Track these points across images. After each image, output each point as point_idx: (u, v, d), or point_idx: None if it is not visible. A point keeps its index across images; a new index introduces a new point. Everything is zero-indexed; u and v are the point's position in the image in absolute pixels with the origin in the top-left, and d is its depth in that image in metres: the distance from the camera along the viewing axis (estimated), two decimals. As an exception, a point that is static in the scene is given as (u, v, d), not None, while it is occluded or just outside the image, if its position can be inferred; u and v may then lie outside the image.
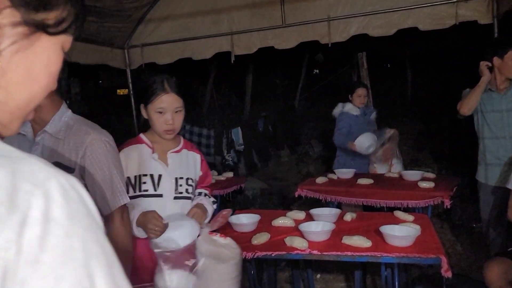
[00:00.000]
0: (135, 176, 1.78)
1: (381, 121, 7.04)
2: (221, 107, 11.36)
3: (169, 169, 1.82)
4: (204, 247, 1.57)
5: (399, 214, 2.39)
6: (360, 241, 1.97)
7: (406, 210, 2.71)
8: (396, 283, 2.15)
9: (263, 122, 7.33)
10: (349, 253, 1.93)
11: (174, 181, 1.81)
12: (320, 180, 3.45)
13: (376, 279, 3.07)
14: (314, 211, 2.46)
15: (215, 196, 3.64)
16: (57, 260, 0.39)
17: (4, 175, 0.39)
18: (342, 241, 2.01)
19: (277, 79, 12.30)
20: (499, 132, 2.84)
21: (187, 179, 1.85)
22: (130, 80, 4.76)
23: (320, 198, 3.25)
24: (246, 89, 10.67)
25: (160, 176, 1.79)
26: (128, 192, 1.65)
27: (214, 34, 4.21)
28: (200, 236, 1.63)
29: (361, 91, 3.94)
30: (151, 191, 1.77)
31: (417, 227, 2.09)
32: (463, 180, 3.65)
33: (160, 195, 1.78)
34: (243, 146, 6.63)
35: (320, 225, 2.18)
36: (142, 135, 1.89)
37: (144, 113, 1.84)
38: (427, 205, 2.86)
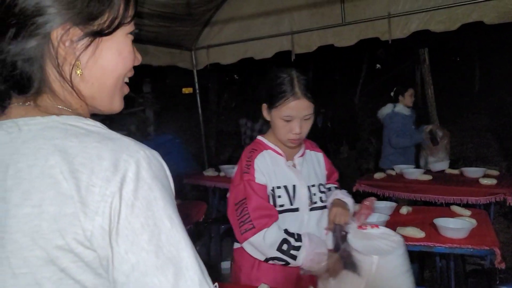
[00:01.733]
0: (272, 189, 1.52)
1: (444, 117, 6.84)
2: (281, 104, 11.51)
3: (301, 177, 1.57)
4: (359, 244, 1.35)
5: (455, 208, 2.42)
6: (413, 232, 2.05)
7: (466, 206, 2.72)
8: (452, 274, 2.20)
9: (322, 118, 7.39)
10: (402, 243, 2.01)
11: (307, 190, 1.56)
12: (378, 175, 3.52)
13: (433, 273, 3.09)
14: (370, 204, 2.55)
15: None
16: (145, 205, 0.57)
17: (110, 151, 0.58)
18: (396, 232, 2.10)
19: (336, 76, 12.24)
20: None
21: (319, 185, 1.60)
22: (196, 80, 5.06)
23: (378, 193, 3.32)
24: (306, 86, 10.72)
25: (294, 186, 1.53)
26: None
27: (275, 34, 4.37)
28: (349, 234, 1.40)
29: (412, 91, 3.98)
30: (287, 205, 1.52)
31: (473, 221, 2.13)
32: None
33: (296, 209, 1.53)
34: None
35: (375, 217, 2.28)
36: (263, 139, 1.63)
37: (265, 114, 1.58)
38: (488, 202, 2.83)
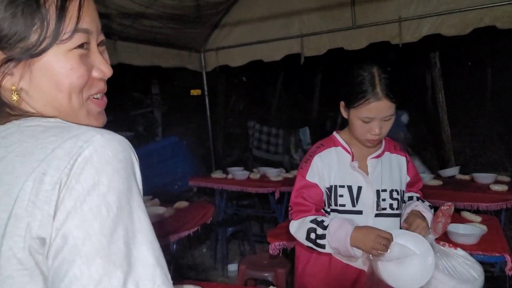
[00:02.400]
0: (332, 186, 1.49)
1: (455, 122, 6.77)
2: (289, 107, 11.52)
3: (370, 179, 1.49)
4: (437, 261, 1.24)
5: (466, 214, 2.39)
6: (423, 237, 2.02)
7: (477, 212, 2.68)
8: (461, 282, 2.16)
9: (331, 122, 7.37)
10: (412, 248, 1.99)
11: (375, 194, 1.48)
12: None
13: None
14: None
15: (281, 194, 3.84)
16: (85, 189, 0.54)
17: (66, 141, 0.56)
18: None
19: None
20: None
21: (392, 191, 1.50)
22: (205, 82, 5.07)
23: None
24: (314, 89, 10.72)
25: (359, 188, 1.48)
26: (325, 205, 1.51)
27: (284, 37, 4.36)
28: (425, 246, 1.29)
29: None
30: (348, 206, 1.47)
31: (483, 227, 2.10)
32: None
33: (360, 212, 1.47)
34: (310, 146, 6.72)
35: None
36: (337, 135, 1.59)
37: (343, 112, 1.53)
38: (499, 208, 2.79)
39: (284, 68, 10.90)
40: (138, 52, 4.00)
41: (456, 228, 2.06)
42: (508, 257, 1.81)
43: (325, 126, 7.35)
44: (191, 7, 3.87)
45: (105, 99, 0.72)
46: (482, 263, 2.84)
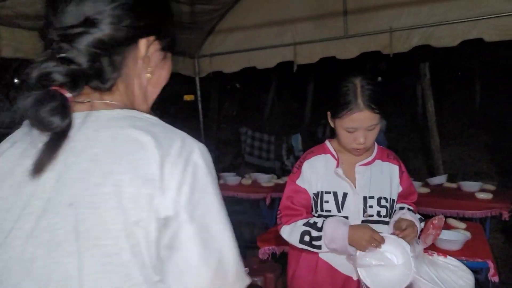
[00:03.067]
0: (319, 193, 1.53)
1: (444, 132, 6.88)
2: (282, 114, 11.60)
3: (357, 186, 1.51)
4: (423, 270, 1.27)
5: (451, 221, 2.45)
6: (409, 243, 2.07)
7: (463, 220, 2.74)
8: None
9: (322, 129, 7.44)
10: (398, 253, 2.04)
11: (362, 201, 1.50)
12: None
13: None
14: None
15: (273, 199, 3.87)
16: (200, 187, 0.65)
17: (176, 136, 0.68)
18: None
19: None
20: None
21: (379, 198, 1.50)
22: (198, 87, 5.10)
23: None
24: (307, 96, 10.82)
25: (345, 194, 1.50)
26: (312, 210, 1.54)
27: (278, 45, 4.41)
28: (413, 257, 1.32)
29: None
30: (334, 212, 1.50)
31: (467, 233, 2.16)
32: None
33: (345, 218, 1.49)
34: (302, 153, 6.75)
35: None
36: (328, 143, 1.63)
37: (330, 122, 1.57)
38: (484, 216, 2.86)
39: (277, 75, 10.99)
40: (132, 57, 4.02)
41: (441, 234, 2.12)
42: (491, 264, 1.87)
43: (316, 133, 7.42)
44: (186, 13, 3.92)
45: None
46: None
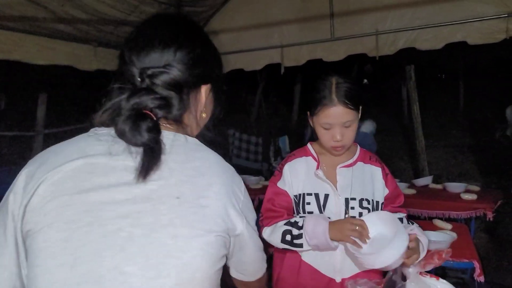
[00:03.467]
0: (300, 195, 1.54)
1: (429, 133, 6.96)
2: (269, 115, 11.61)
3: (338, 187, 1.51)
4: None
5: (437, 222, 2.48)
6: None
7: (448, 220, 2.78)
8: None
9: (310, 130, 7.46)
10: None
11: (343, 202, 1.50)
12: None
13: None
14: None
15: (261, 201, 3.84)
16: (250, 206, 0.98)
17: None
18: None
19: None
20: None
21: (361, 200, 1.50)
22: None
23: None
24: (294, 98, 10.85)
25: (326, 196, 1.50)
26: (294, 212, 1.55)
27: (265, 47, 4.43)
28: (409, 280, 1.32)
29: None
30: (316, 213, 1.50)
31: (454, 234, 2.18)
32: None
33: (328, 218, 1.48)
34: (289, 154, 6.79)
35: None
36: (309, 145, 1.64)
37: (310, 122, 1.58)
38: (469, 216, 2.90)
39: (265, 77, 11.01)
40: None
41: (428, 235, 2.13)
42: (476, 264, 1.89)
43: (304, 135, 7.44)
44: (173, 15, 3.90)
45: None
46: (452, 269, 2.96)
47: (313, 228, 1.42)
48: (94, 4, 3.15)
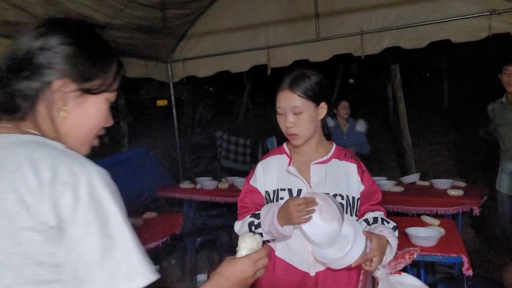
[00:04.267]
0: (274, 191, 1.57)
1: (415, 131, 7.04)
2: (257, 117, 11.62)
3: (312, 184, 1.53)
4: None
5: (425, 218, 2.51)
6: (386, 241, 2.11)
7: (436, 216, 2.81)
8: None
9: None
10: (375, 252, 2.07)
11: None
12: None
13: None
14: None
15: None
16: (95, 204, 0.74)
17: (69, 162, 0.76)
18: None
19: (311, 90, 12.44)
20: (509, 144, 2.97)
21: (335, 195, 1.50)
22: (172, 92, 5.06)
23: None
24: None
25: (299, 191, 1.53)
26: None
27: (251, 48, 4.44)
28: (380, 282, 1.34)
29: (344, 103, 4.31)
30: None
31: (442, 229, 2.21)
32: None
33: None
34: (277, 155, 6.81)
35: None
36: (285, 145, 1.69)
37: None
38: (456, 212, 2.94)
39: (251, 79, 11.02)
40: (104, 62, 3.95)
41: (416, 231, 2.17)
42: (465, 258, 1.92)
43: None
44: (158, 18, 3.88)
45: None
46: (441, 265, 3.00)
47: (265, 215, 1.48)
48: (78, 7, 3.12)
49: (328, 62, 4.33)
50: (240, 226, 1.61)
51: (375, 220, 1.53)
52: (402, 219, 2.68)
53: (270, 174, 1.60)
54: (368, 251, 1.34)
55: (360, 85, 13.35)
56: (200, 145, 9.54)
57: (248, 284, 1.04)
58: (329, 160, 1.58)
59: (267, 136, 7.26)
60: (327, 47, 4.16)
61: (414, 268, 2.52)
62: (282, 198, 1.53)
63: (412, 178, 3.86)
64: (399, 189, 3.37)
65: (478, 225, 4.46)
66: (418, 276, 2.44)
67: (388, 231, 1.44)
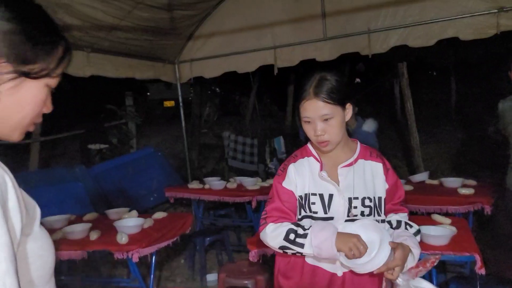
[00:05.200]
0: (305, 195, 1.55)
1: (422, 130, 6.99)
2: (264, 117, 11.62)
3: (341, 187, 1.53)
4: None
5: (436, 217, 2.50)
6: (397, 240, 2.10)
7: (446, 215, 2.78)
8: (434, 281, 2.25)
9: (304, 130, 7.48)
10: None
11: (347, 201, 1.51)
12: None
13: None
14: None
15: (258, 202, 3.87)
16: None
17: None
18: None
19: (318, 89, 12.42)
20: None
21: (364, 199, 1.52)
22: (180, 93, 5.08)
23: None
24: (287, 99, 10.87)
25: (331, 196, 1.52)
26: (299, 213, 1.56)
27: (258, 48, 4.44)
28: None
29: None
30: (320, 213, 1.52)
31: (453, 228, 2.20)
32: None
33: (331, 218, 1.51)
34: (285, 155, 6.81)
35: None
36: (310, 145, 1.63)
37: (298, 121, 1.62)
38: (467, 210, 2.92)
39: (258, 79, 11.03)
40: (111, 64, 3.98)
41: (428, 230, 2.16)
42: (477, 257, 1.91)
43: (298, 135, 7.45)
44: (165, 19, 3.90)
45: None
46: (453, 264, 2.98)
47: (321, 230, 1.44)
48: (87, 10, 3.14)
49: (335, 61, 4.32)
50: (273, 229, 1.52)
51: (399, 224, 1.55)
52: (412, 218, 2.65)
53: (303, 177, 1.56)
54: (391, 259, 1.35)
55: (367, 84, 13.29)
56: (207, 145, 9.57)
57: None
58: (355, 161, 1.57)
59: (274, 136, 7.25)
60: (334, 46, 4.15)
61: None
62: (313, 203, 1.52)
63: (421, 176, 3.84)
64: (408, 188, 3.36)
65: (490, 224, 4.43)
66: (429, 275, 2.44)
67: (412, 241, 1.45)
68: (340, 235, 1.41)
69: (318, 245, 1.42)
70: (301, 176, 1.55)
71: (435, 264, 1.39)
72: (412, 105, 6.13)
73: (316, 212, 1.52)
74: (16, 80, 0.77)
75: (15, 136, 0.83)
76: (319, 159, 1.57)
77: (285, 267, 1.63)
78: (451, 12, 3.64)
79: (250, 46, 4.47)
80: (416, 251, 1.43)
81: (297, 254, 1.49)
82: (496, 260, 3.64)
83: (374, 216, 1.52)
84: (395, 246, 1.37)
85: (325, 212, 1.51)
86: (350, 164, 1.55)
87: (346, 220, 1.50)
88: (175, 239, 2.79)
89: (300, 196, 1.55)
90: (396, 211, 1.58)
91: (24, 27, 0.76)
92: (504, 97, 3.03)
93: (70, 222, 3.05)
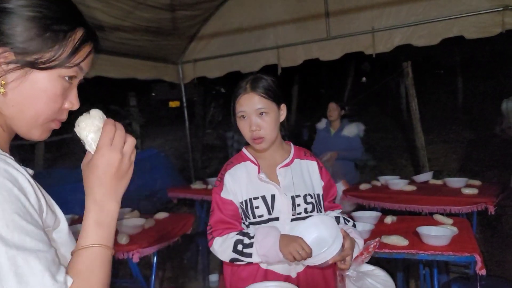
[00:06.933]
0: (246, 201, 1.53)
1: (428, 129, 6.95)
2: (268, 117, 11.61)
3: (282, 187, 1.53)
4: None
5: (438, 217, 2.47)
6: (397, 240, 2.09)
7: (449, 216, 2.76)
8: (436, 282, 2.23)
9: (307, 131, 7.47)
10: (386, 251, 2.06)
11: (290, 200, 1.52)
12: (364, 186, 3.56)
13: (418, 282, 3.13)
14: (355, 214, 2.60)
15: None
16: None
17: None
18: (381, 241, 2.14)
19: (322, 89, 12.39)
20: None
21: (305, 196, 1.54)
22: (183, 93, 5.08)
23: (364, 204, 3.36)
24: (291, 99, 10.86)
25: (273, 196, 1.52)
26: (245, 220, 1.54)
27: (261, 48, 4.44)
28: (348, 280, 1.40)
29: (331, 105, 4.20)
30: (266, 215, 1.51)
31: (454, 228, 2.18)
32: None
33: (277, 218, 1.51)
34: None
35: (360, 226, 2.31)
36: (245, 150, 1.64)
37: (233, 122, 1.59)
38: (470, 211, 2.89)
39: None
40: (114, 65, 3.99)
41: (428, 230, 2.14)
42: (477, 257, 1.89)
43: (302, 135, 7.44)
44: (167, 20, 3.90)
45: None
46: (455, 264, 2.94)
47: (264, 237, 1.43)
48: (88, 10, 3.15)
49: (340, 60, 4.30)
50: (221, 243, 1.51)
51: (337, 219, 1.59)
52: (414, 218, 2.64)
53: (240, 183, 1.55)
54: (342, 250, 1.37)
55: (372, 83, 13.24)
56: (211, 145, 9.57)
57: (126, 169, 0.85)
58: (291, 161, 1.59)
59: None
60: (338, 46, 4.13)
61: (427, 268, 2.49)
62: (257, 207, 1.51)
63: (425, 177, 3.80)
64: (411, 188, 3.33)
65: (494, 224, 4.38)
66: (431, 276, 2.42)
67: (356, 233, 1.51)
68: (283, 239, 1.40)
69: (264, 254, 1.43)
70: (238, 183, 1.55)
71: (377, 247, 1.42)
72: (417, 104, 6.08)
73: (261, 216, 1.51)
74: (20, 71, 0.70)
75: (35, 134, 0.76)
76: (256, 162, 1.57)
77: (235, 277, 1.59)
78: (455, 11, 3.62)
79: (253, 46, 4.47)
80: (360, 241, 1.48)
81: (243, 263, 1.49)
82: (501, 261, 3.61)
83: (317, 212, 1.55)
84: (345, 235, 1.39)
85: (270, 213, 1.51)
86: (288, 164, 1.58)
87: (292, 220, 1.51)
88: (176, 239, 2.79)
89: (241, 203, 1.54)
90: (332, 208, 1.65)
91: (28, 12, 0.69)
92: (508, 96, 2.99)
93: (74, 222, 3.06)
